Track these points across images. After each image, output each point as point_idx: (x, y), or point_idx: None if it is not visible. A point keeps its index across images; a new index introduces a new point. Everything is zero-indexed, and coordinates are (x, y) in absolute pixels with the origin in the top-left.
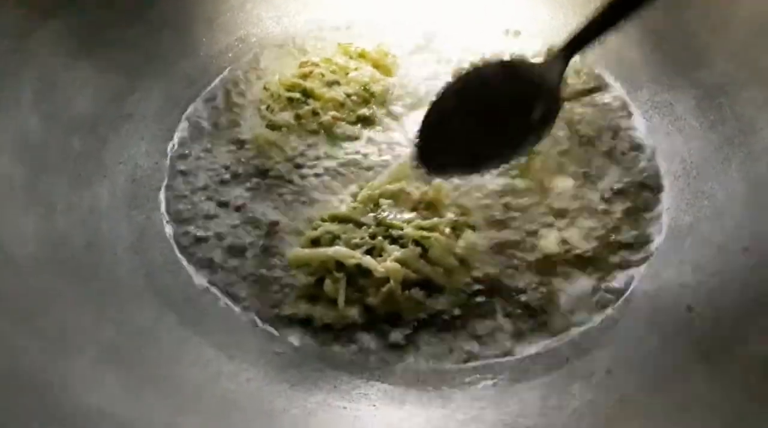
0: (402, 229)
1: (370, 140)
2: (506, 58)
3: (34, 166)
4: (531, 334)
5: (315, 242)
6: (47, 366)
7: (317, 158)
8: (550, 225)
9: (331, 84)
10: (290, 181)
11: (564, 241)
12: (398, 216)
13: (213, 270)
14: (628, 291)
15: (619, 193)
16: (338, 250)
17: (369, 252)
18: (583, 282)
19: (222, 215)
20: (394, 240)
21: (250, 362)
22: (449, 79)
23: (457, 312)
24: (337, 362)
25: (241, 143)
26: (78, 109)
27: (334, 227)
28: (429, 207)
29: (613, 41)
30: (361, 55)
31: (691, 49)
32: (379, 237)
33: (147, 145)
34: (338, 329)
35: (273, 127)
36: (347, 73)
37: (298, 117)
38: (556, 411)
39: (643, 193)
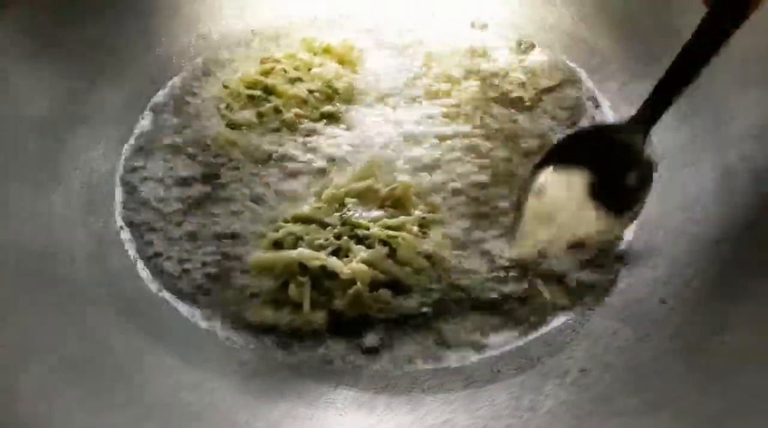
0: (368, 229)
1: (334, 137)
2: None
3: None
4: (502, 333)
5: (278, 244)
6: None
7: (279, 157)
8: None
9: (293, 81)
10: (251, 182)
11: (533, 236)
12: (364, 214)
13: (172, 277)
14: (600, 287)
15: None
16: (302, 252)
17: (335, 253)
18: (553, 279)
19: (181, 219)
20: (360, 241)
21: (212, 372)
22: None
23: (426, 312)
24: (303, 369)
25: (200, 143)
26: (31, 111)
27: (297, 228)
28: (396, 205)
29: (580, 30)
30: (326, 51)
31: (662, 39)
32: (345, 238)
33: (104, 148)
34: (304, 335)
35: (233, 125)
36: (310, 69)
37: (259, 115)
38: (530, 413)
39: None
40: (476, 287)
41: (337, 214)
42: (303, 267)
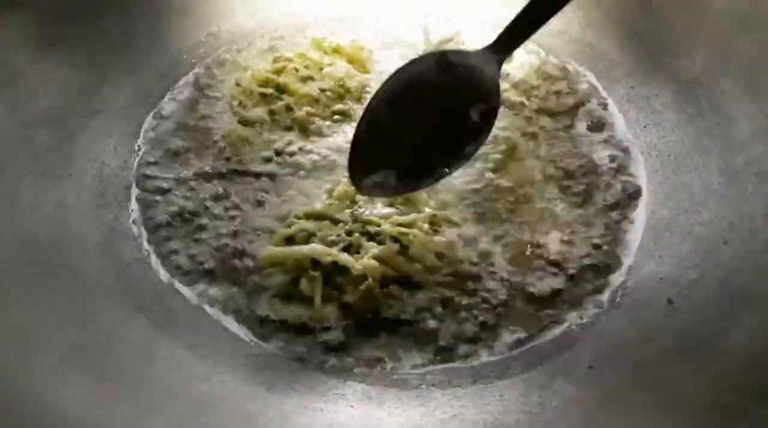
0: (379, 226)
1: (345, 136)
2: (441, 51)
3: None
4: (510, 330)
5: (289, 240)
6: (10, 366)
7: (291, 155)
8: (528, 221)
9: (305, 79)
10: (263, 179)
11: (545, 235)
12: (375, 212)
13: (183, 270)
14: (608, 286)
15: (597, 188)
16: (314, 248)
17: (346, 249)
18: (562, 277)
19: (193, 214)
20: (371, 237)
21: (223, 364)
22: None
23: (436, 308)
24: (314, 362)
25: (212, 140)
26: (44, 104)
27: (309, 224)
28: (406, 202)
29: (587, 35)
30: (336, 51)
31: (668, 41)
32: (356, 234)
33: (115, 142)
34: (315, 329)
35: (245, 123)
36: (321, 69)
37: (271, 113)
38: (538, 408)
39: (621, 186)
40: (485, 284)
41: (349, 211)
42: (314, 263)
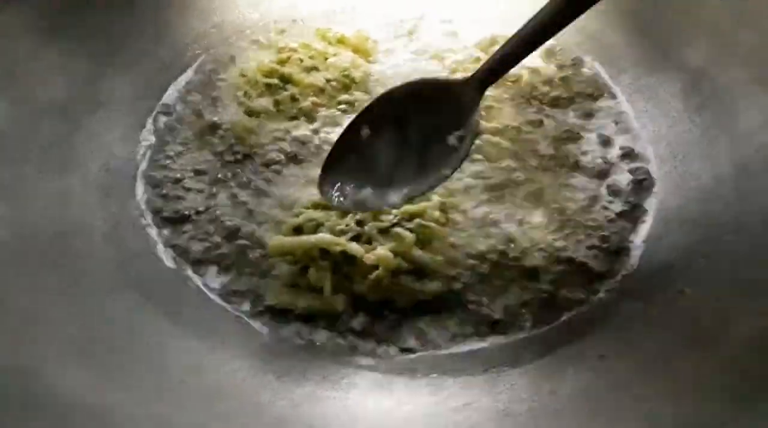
0: (390, 214)
1: None
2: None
3: (0, 151)
4: (520, 319)
5: (297, 230)
6: (20, 355)
7: (298, 145)
8: (535, 207)
9: (309, 70)
10: (270, 168)
11: (551, 223)
12: None
13: (192, 259)
14: (618, 275)
15: (605, 177)
16: (322, 237)
17: (355, 238)
18: (572, 266)
19: (199, 204)
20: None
21: (233, 353)
22: (429, 65)
23: (445, 297)
24: (325, 351)
25: (218, 130)
26: (48, 95)
27: (317, 214)
28: None
29: (594, 25)
30: (340, 41)
31: (674, 31)
32: (369, 224)
33: (121, 133)
34: (325, 318)
35: (251, 113)
36: (326, 59)
37: (276, 103)
38: (550, 397)
39: (630, 177)
40: (494, 273)
41: None
42: (323, 252)
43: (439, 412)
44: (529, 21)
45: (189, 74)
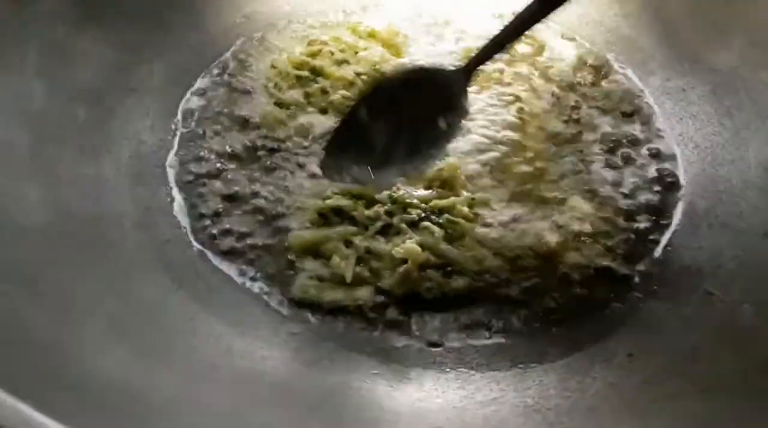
0: (419, 208)
1: None
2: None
3: (37, 134)
4: (548, 317)
5: (323, 217)
6: (57, 334)
7: (327, 137)
8: (563, 207)
9: (340, 63)
10: (300, 159)
11: (581, 223)
12: (413, 193)
13: (221, 247)
14: (646, 276)
15: (635, 179)
16: (343, 230)
17: (384, 229)
18: (600, 266)
19: (230, 193)
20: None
21: (263, 340)
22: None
23: (474, 292)
24: (353, 342)
25: (248, 121)
26: (83, 79)
27: (345, 201)
28: (443, 185)
29: (623, 26)
30: (371, 35)
31: (705, 33)
32: (397, 217)
33: (152, 121)
34: (352, 309)
35: (281, 105)
36: (357, 53)
37: (307, 95)
38: (578, 394)
39: (658, 178)
40: (521, 270)
41: (387, 192)
42: (348, 241)
43: (468, 406)
44: (517, 15)
45: (220, 63)
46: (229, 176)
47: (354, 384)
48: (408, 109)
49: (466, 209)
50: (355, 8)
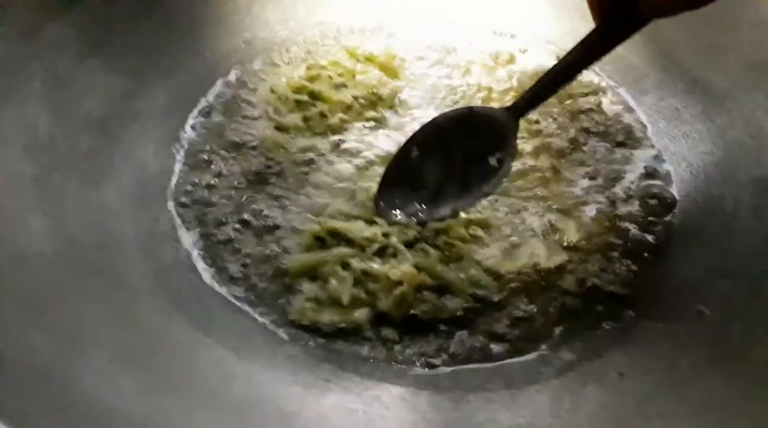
0: (415, 230)
1: (378, 141)
2: (469, 106)
3: (42, 163)
4: (540, 337)
5: (320, 240)
6: (61, 363)
7: (326, 161)
8: (558, 228)
9: (338, 87)
10: (299, 182)
11: (577, 240)
12: None
13: (221, 272)
14: (638, 295)
15: (628, 197)
16: (339, 252)
17: (381, 250)
18: (592, 287)
19: (230, 218)
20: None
21: (261, 363)
22: (456, 81)
23: (467, 313)
24: (349, 364)
25: (248, 145)
26: (86, 108)
27: (341, 224)
28: None
29: (618, 47)
30: (369, 59)
31: (698, 53)
32: (394, 238)
33: (154, 147)
34: (348, 332)
35: (281, 128)
36: (354, 76)
37: (305, 119)
38: (571, 414)
39: (651, 197)
40: (515, 290)
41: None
42: (344, 264)
43: (462, 427)
44: (567, 54)
45: (220, 88)
46: (229, 199)
47: (350, 406)
48: (459, 149)
49: (462, 230)
50: (352, 32)
